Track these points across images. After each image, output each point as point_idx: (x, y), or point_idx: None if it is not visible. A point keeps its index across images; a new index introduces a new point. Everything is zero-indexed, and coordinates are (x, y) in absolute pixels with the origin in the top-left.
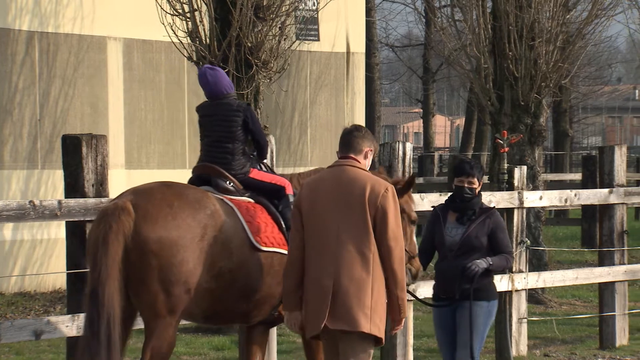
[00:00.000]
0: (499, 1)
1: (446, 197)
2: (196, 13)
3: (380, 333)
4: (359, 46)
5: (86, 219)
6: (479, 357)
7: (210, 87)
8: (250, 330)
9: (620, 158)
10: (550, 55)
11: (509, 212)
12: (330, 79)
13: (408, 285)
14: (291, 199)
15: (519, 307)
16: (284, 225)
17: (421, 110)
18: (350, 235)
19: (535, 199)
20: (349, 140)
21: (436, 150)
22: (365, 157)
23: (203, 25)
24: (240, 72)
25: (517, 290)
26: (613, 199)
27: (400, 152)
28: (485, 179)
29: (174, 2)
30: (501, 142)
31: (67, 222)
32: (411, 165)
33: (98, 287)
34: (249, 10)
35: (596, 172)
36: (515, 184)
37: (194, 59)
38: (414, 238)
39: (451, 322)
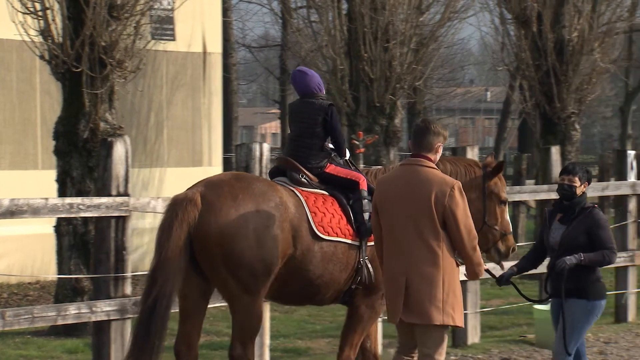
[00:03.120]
0: (354, 3)
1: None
2: (48, 12)
3: (454, 321)
4: (215, 46)
5: None
6: (574, 351)
7: (299, 87)
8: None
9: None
10: (405, 57)
11: None
12: (187, 79)
13: (498, 263)
14: (364, 194)
15: None
16: (352, 218)
17: (279, 111)
18: (419, 234)
19: None
20: (422, 140)
21: None
22: (437, 152)
23: (55, 24)
24: (95, 72)
25: None
26: None
27: (257, 153)
28: None
29: (25, 0)
30: (357, 142)
31: None
32: (268, 166)
33: (156, 269)
34: (102, 9)
35: None
36: None
37: (46, 58)
38: (507, 216)
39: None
